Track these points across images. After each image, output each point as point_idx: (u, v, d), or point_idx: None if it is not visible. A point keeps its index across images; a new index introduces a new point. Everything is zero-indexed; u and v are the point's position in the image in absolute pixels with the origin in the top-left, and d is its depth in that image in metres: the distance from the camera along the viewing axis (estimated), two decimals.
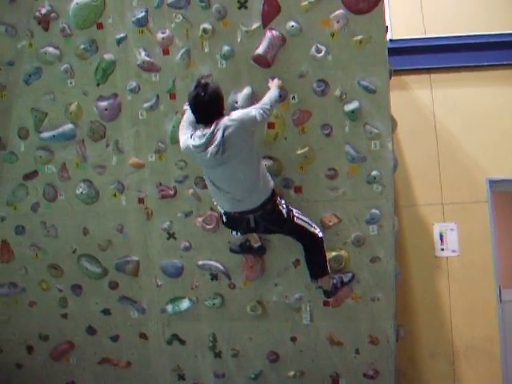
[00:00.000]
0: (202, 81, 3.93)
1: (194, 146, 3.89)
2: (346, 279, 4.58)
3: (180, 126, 4.17)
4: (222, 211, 4.24)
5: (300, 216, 4.29)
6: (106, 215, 4.88)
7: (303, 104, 4.49)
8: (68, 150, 4.84)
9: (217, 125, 3.83)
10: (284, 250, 4.66)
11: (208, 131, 3.83)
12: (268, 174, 4.16)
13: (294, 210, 4.28)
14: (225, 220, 4.28)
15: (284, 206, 4.19)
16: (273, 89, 4.23)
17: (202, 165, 4.07)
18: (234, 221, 4.22)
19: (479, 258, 5.45)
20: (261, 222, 4.14)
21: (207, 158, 3.86)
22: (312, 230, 4.32)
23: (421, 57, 5.63)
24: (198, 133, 3.90)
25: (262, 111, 3.96)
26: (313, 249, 4.38)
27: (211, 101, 3.86)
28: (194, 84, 3.96)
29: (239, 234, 4.51)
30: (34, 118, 4.86)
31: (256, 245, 4.58)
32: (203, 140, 3.83)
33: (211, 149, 3.82)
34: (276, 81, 4.31)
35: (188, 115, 4.11)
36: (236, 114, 3.93)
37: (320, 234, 4.34)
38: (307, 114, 4.51)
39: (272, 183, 4.14)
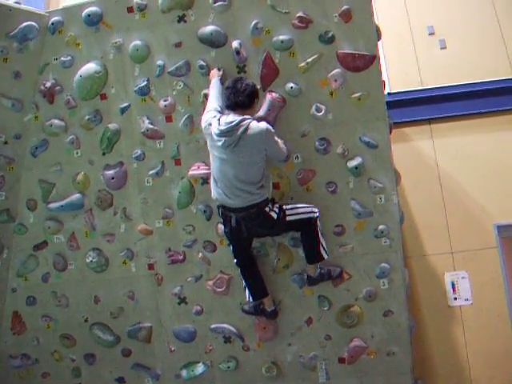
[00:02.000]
0: (242, 76, 4.34)
1: (218, 129, 4.03)
2: (334, 274, 4.54)
3: (205, 110, 4.33)
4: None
5: (293, 211, 4.32)
6: (116, 283, 4.88)
7: (307, 163, 4.56)
8: (76, 220, 4.89)
9: (243, 120, 4.00)
10: (296, 309, 4.65)
11: (234, 121, 4.00)
12: (269, 185, 4.29)
13: (288, 208, 4.31)
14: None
15: (276, 210, 4.24)
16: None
17: (211, 147, 4.19)
18: (222, 218, 4.31)
19: (493, 305, 5.37)
20: (243, 224, 4.20)
21: (219, 144, 4.03)
22: (305, 216, 4.34)
23: (420, 108, 5.71)
24: (225, 118, 4.05)
25: (280, 146, 4.25)
26: (305, 232, 4.41)
27: (248, 90, 4.11)
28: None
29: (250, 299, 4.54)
30: (41, 190, 4.93)
31: (269, 309, 4.53)
32: (225, 127, 4.00)
33: (227, 139, 3.99)
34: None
35: (213, 103, 4.30)
36: (265, 125, 4.08)
37: (315, 215, 4.37)
38: (311, 173, 4.56)
39: (267, 194, 4.23)
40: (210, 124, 4.13)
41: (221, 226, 4.61)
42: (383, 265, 4.55)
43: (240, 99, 4.09)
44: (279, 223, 4.26)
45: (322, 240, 4.40)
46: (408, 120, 5.66)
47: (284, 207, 4.30)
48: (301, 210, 4.36)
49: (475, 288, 5.39)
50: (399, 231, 4.58)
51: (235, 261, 4.49)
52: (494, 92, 5.70)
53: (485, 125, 5.70)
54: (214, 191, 4.25)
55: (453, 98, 5.72)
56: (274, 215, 4.22)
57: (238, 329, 4.73)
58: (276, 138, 4.18)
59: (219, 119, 4.09)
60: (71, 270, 4.95)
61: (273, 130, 4.13)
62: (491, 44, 5.96)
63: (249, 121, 4.04)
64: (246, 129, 4.00)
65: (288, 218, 4.28)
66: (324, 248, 4.41)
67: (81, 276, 4.94)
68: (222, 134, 4.03)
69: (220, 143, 4.04)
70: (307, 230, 4.39)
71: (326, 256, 4.41)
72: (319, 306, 4.64)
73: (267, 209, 4.20)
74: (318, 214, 4.39)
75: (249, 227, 4.24)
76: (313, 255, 4.43)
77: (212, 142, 4.14)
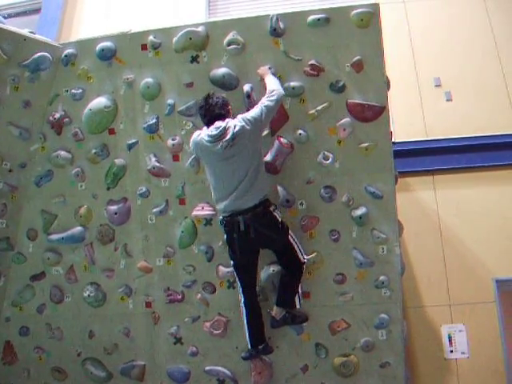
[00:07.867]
0: (210, 92, 4.37)
1: (209, 136, 4.15)
2: (297, 320, 4.51)
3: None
4: (221, 217, 4.33)
5: (293, 236, 4.37)
6: (112, 319, 4.83)
7: (311, 210, 4.57)
8: (76, 253, 4.86)
9: (228, 122, 4.17)
10: (292, 355, 4.60)
11: (221, 125, 4.14)
12: (267, 182, 4.34)
13: (291, 234, 4.36)
14: (224, 233, 4.35)
15: (280, 215, 4.29)
16: (267, 77, 4.41)
17: (207, 159, 4.29)
18: (229, 228, 4.25)
19: (489, 359, 5.32)
20: (252, 226, 4.16)
21: (217, 149, 4.12)
22: (298, 253, 4.36)
23: (423, 159, 5.73)
24: (211, 127, 4.19)
25: (264, 109, 4.18)
26: (291, 272, 4.40)
27: (219, 102, 4.26)
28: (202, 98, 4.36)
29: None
30: (43, 220, 4.90)
31: (261, 346, 4.46)
32: (217, 132, 4.12)
33: (223, 141, 4.10)
34: (263, 68, 4.49)
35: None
36: (245, 115, 4.20)
37: (304, 260, 4.38)
38: (315, 220, 4.56)
39: (267, 190, 4.30)
40: (201, 139, 4.22)
41: (221, 268, 4.62)
42: (382, 316, 4.54)
43: (216, 112, 4.22)
44: (283, 233, 4.30)
45: (299, 288, 4.44)
46: (411, 170, 5.67)
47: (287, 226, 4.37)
48: (296, 240, 4.39)
49: (472, 341, 5.35)
50: (400, 283, 4.57)
51: (242, 300, 4.42)
52: (497, 146, 5.74)
53: (487, 178, 5.73)
54: (221, 204, 4.26)
55: (456, 150, 5.76)
56: (278, 217, 4.27)
57: (232, 372, 4.68)
58: (258, 118, 4.17)
59: (204, 132, 4.23)
60: (67, 303, 4.90)
61: (253, 119, 4.16)
62: (496, 98, 6.03)
63: (233, 120, 4.17)
64: (235, 126, 4.11)
65: (289, 238, 4.34)
66: (299, 296, 4.46)
67: (77, 310, 4.88)
68: (215, 139, 4.13)
69: (218, 147, 4.11)
70: (295, 270, 4.40)
71: (298, 305, 4.46)
72: (316, 353, 4.60)
73: (272, 208, 4.25)
74: (306, 262, 4.41)
75: (257, 229, 4.19)
76: (287, 300, 4.45)
77: (209, 154, 4.21)
